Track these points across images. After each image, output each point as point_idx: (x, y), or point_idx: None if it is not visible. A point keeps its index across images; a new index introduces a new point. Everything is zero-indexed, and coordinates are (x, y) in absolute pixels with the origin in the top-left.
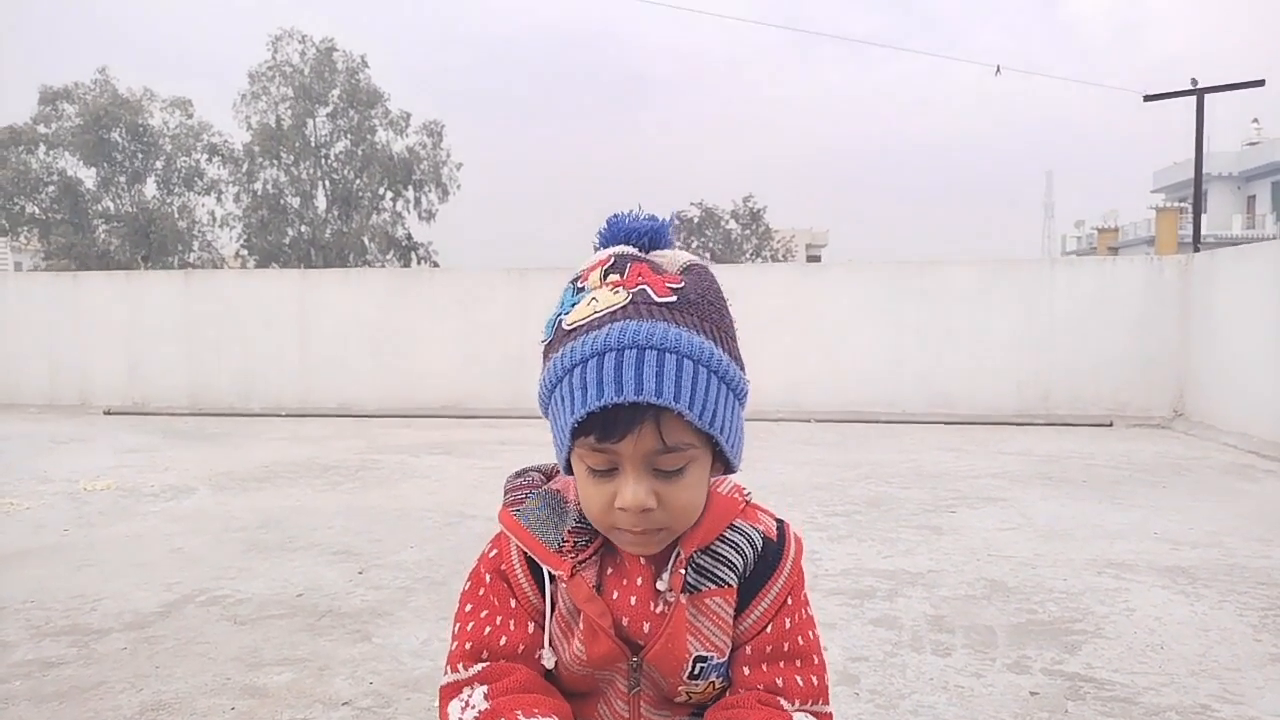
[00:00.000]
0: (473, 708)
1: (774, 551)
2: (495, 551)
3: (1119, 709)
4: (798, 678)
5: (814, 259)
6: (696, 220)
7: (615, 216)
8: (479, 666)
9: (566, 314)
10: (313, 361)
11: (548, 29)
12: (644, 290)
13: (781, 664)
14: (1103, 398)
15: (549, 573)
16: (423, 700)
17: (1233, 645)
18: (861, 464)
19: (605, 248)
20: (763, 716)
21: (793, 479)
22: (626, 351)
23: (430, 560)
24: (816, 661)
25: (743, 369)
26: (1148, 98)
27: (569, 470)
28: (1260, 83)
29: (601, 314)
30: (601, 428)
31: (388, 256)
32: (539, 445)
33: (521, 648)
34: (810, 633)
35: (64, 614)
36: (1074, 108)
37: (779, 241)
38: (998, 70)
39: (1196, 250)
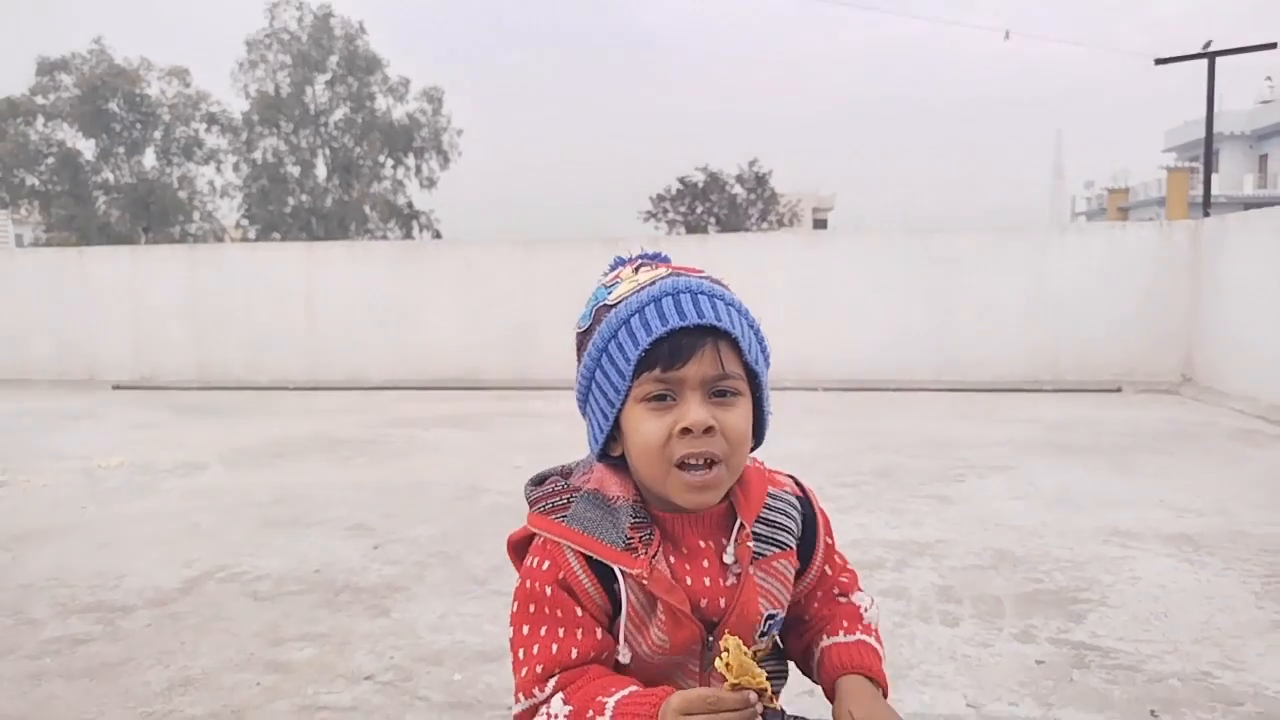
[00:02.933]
0: (556, 716)
1: (808, 507)
2: (547, 563)
3: (1123, 676)
4: (844, 579)
5: (820, 223)
6: (701, 185)
7: (619, 256)
8: (553, 682)
9: (607, 298)
10: (320, 334)
11: None
12: (679, 271)
13: (845, 578)
14: (1111, 363)
15: (620, 571)
16: (442, 674)
17: (1235, 613)
18: (870, 433)
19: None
20: (844, 610)
21: (801, 449)
22: (683, 294)
23: (444, 535)
24: (846, 561)
25: None
26: (1159, 61)
27: (603, 454)
28: (1272, 45)
29: (645, 283)
30: (668, 355)
31: (389, 225)
32: (547, 417)
33: (593, 654)
34: (841, 553)
35: (88, 591)
36: (1084, 66)
37: (785, 206)
38: (1006, 35)
39: (1206, 215)
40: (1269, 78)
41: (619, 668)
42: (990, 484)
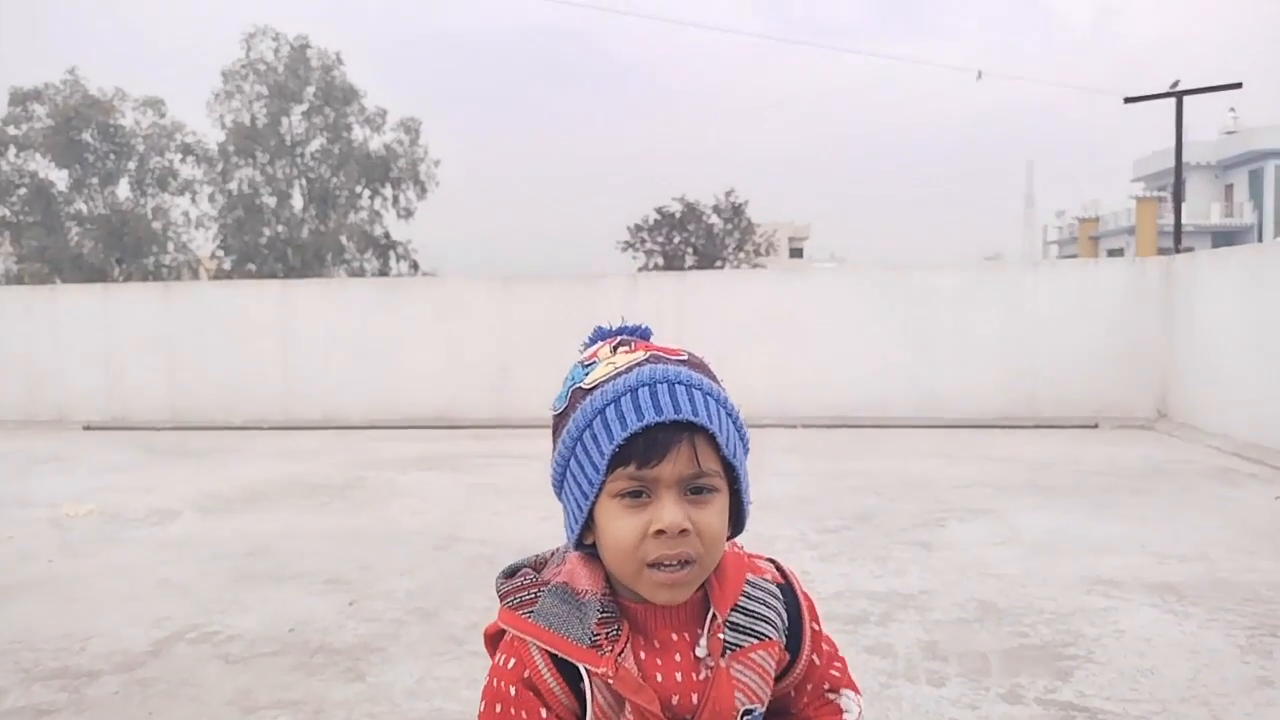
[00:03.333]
0: None
1: (790, 596)
2: (513, 661)
3: None
4: (834, 672)
5: (796, 252)
6: (678, 215)
7: (599, 327)
8: None
9: (583, 381)
10: (295, 373)
11: (525, 25)
12: (657, 353)
13: (834, 671)
14: (1088, 399)
15: (586, 670)
16: None
17: (1221, 668)
18: (850, 474)
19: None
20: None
21: (782, 491)
22: (660, 384)
23: (421, 589)
24: (836, 649)
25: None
26: (1128, 100)
27: (580, 540)
28: (1237, 85)
29: (623, 367)
30: (642, 452)
31: (366, 256)
32: (525, 458)
33: None
34: (829, 638)
35: (53, 655)
36: (1055, 99)
37: (761, 235)
38: (979, 75)
39: (1177, 249)
40: (1233, 109)
41: None
42: (972, 529)
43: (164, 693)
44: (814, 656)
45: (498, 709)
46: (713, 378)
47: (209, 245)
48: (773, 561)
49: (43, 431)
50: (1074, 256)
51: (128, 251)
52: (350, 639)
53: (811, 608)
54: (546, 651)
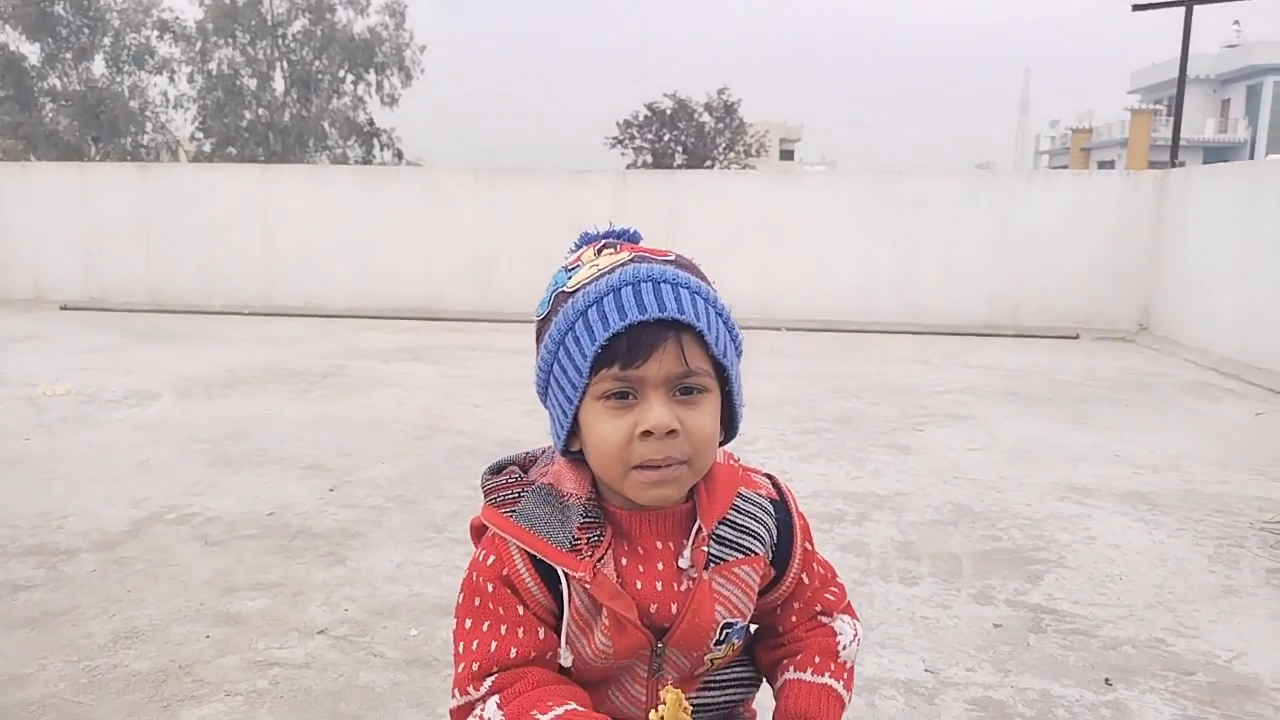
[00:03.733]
0: None
1: (784, 513)
2: (493, 558)
3: (1078, 642)
4: (829, 595)
5: (787, 154)
6: (669, 112)
7: (585, 232)
8: (489, 681)
9: (565, 285)
10: (277, 259)
11: None
12: (643, 254)
13: (831, 592)
14: (1070, 310)
15: (564, 573)
16: (398, 629)
17: (1188, 576)
18: (832, 377)
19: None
20: (819, 641)
21: (764, 393)
22: (644, 283)
23: (402, 477)
24: (834, 573)
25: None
26: (1136, 7)
27: (567, 446)
28: None
29: (606, 269)
30: (626, 352)
31: (349, 143)
32: (508, 352)
33: (534, 654)
34: (823, 559)
35: (30, 532)
36: (1058, 6)
37: (752, 136)
38: None
39: (1173, 163)
40: (1237, 22)
41: (562, 670)
42: (950, 434)
43: (142, 572)
44: (803, 576)
45: (476, 602)
46: (702, 277)
47: (188, 127)
48: (770, 477)
49: (19, 310)
50: (1064, 168)
51: (104, 130)
52: (330, 524)
53: (805, 527)
54: (526, 551)
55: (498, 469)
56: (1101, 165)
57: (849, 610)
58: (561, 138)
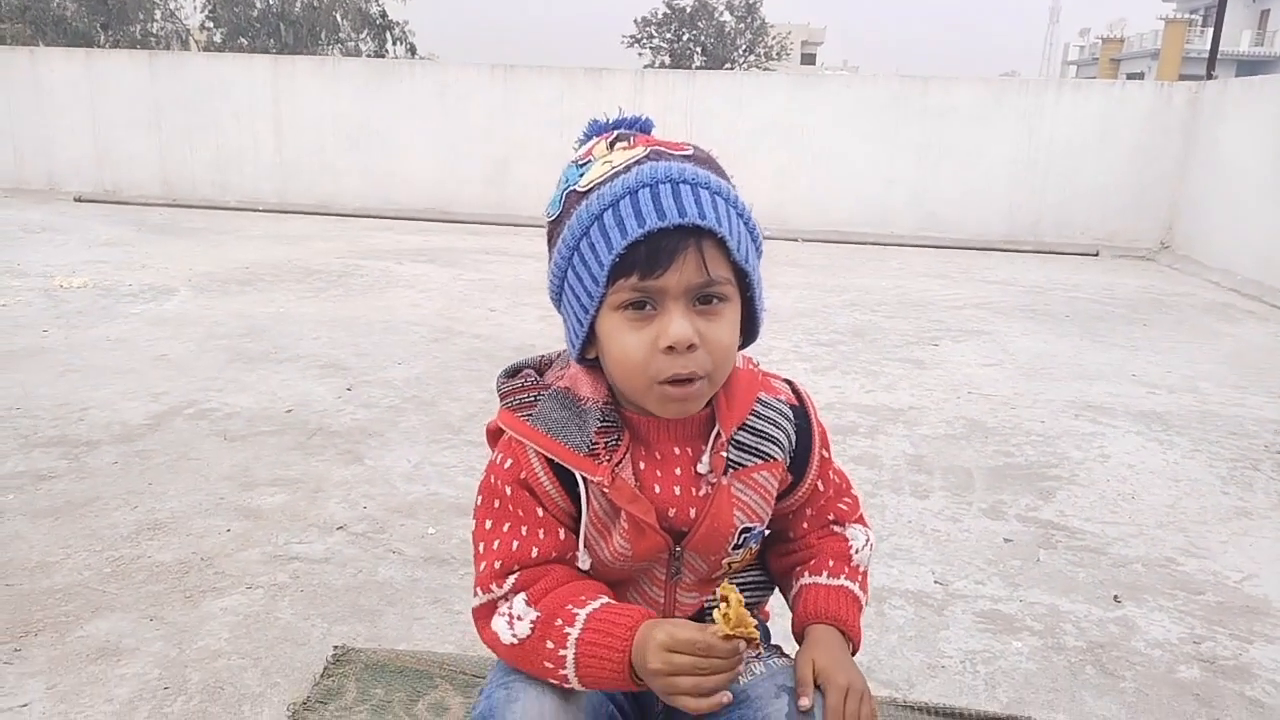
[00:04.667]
0: (521, 619)
1: (803, 419)
2: (510, 461)
3: (1088, 559)
4: (842, 505)
5: (809, 57)
6: (689, 10)
7: (594, 120)
8: (512, 578)
9: (577, 183)
10: (289, 155)
11: None
12: (659, 148)
13: (846, 501)
14: (1091, 226)
15: (582, 477)
16: (416, 527)
17: (1201, 497)
18: (847, 289)
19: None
20: (833, 545)
21: (779, 304)
22: (662, 185)
23: (419, 378)
24: (848, 484)
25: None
26: None
27: (582, 356)
28: None
29: (621, 166)
30: (645, 261)
31: (361, 36)
32: (523, 256)
33: (554, 554)
34: (839, 469)
35: (51, 423)
36: None
37: (774, 38)
38: None
39: (1209, 75)
40: None
41: (581, 573)
42: (965, 349)
43: (163, 465)
44: (819, 483)
45: (495, 505)
46: (721, 174)
47: (198, 16)
48: (789, 383)
49: (33, 201)
50: (1092, 79)
51: (113, 16)
52: (348, 422)
53: (823, 434)
54: (543, 455)
55: (513, 372)
56: (1130, 77)
57: (861, 521)
58: (576, 38)
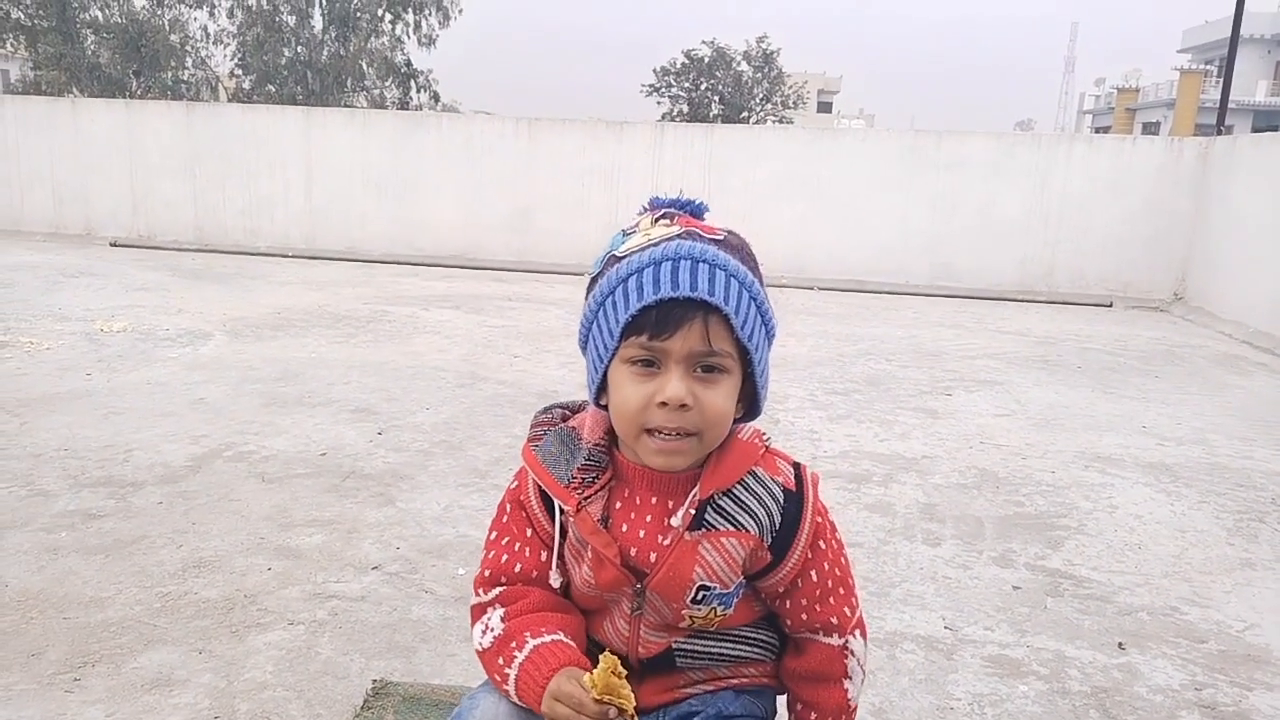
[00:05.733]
0: (491, 630)
1: (795, 504)
2: (516, 484)
3: (1094, 607)
4: (845, 609)
5: (825, 106)
6: (707, 60)
7: (656, 197)
8: (497, 590)
9: (619, 249)
10: (318, 202)
11: None
12: (694, 229)
13: (831, 600)
14: (1105, 277)
15: (559, 505)
16: (446, 568)
17: (1207, 548)
18: (863, 339)
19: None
20: (831, 700)
21: (795, 353)
22: (683, 261)
23: (446, 423)
24: (850, 584)
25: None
26: None
27: (598, 399)
28: None
29: (656, 240)
30: (654, 324)
31: (386, 84)
32: (545, 303)
33: (535, 573)
34: (843, 562)
35: (98, 464)
36: None
37: (790, 87)
38: None
39: (1220, 129)
40: None
41: (559, 591)
42: (978, 399)
43: (205, 505)
44: (810, 573)
45: (503, 519)
46: (747, 259)
47: (227, 63)
48: (798, 467)
49: (71, 246)
50: (1108, 129)
51: (145, 64)
52: (380, 466)
53: (821, 526)
54: (537, 483)
55: (547, 409)
56: (1146, 127)
57: (860, 627)
58: (596, 89)
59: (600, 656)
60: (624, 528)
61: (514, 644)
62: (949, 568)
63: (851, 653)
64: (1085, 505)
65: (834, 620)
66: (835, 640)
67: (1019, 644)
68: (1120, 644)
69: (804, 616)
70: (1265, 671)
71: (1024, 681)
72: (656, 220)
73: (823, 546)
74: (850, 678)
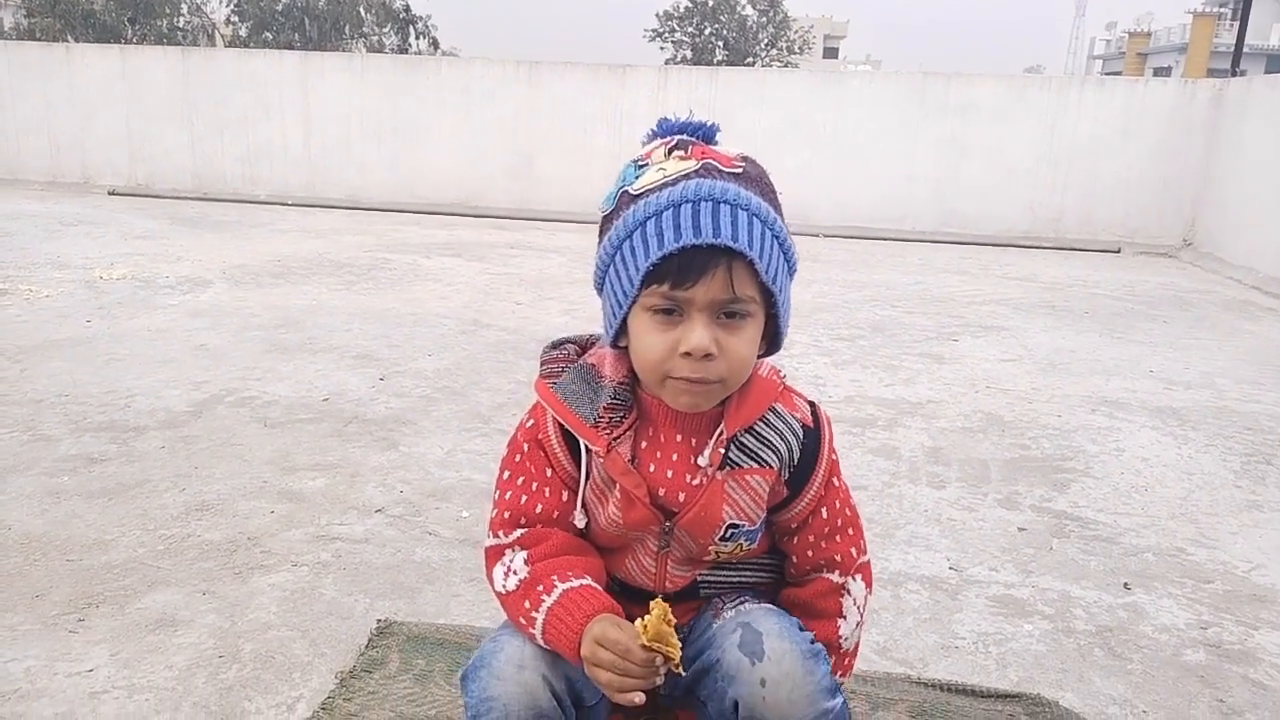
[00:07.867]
0: (515, 574)
1: (813, 439)
2: (532, 422)
3: (1100, 548)
4: (852, 549)
5: (831, 52)
6: (711, 4)
7: (665, 119)
8: (518, 532)
9: (632, 184)
10: (317, 150)
11: None
12: (711, 162)
13: (837, 538)
14: (1113, 223)
15: (585, 445)
16: (450, 510)
17: (1213, 490)
18: (868, 285)
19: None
20: (824, 630)
21: (800, 299)
22: (704, 203)
23: (449, 369)
24: (859, 526)
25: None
26: None
27: (615, 342)
28: None
29: (672, 176)
30: (676, 272)
31: (385, 30)
32: (547, 250)
33: (556, 513)
34: (851, 503)
35: (99, 409)
36: None
37: (796, 32)
38: None
39: (1234, 71)
40: None
41: (579, 531)
42: (984, 344)
43: (207, 450)
44: (822, 510)
45: (516, 459)
46: (767, 191)
47: (223, 10)
48: (814, 405)
49: (69, 194)
50: (1118, 73)
51: (140, 11)
52: (383, 411)
53: (834, 464)
54: (558, 421)
55: (557, 344)
56: (1157, 72)
57: (864, 571)
58: (597, 31)
59: (652, 603)
60: (651, 467)
61: (541, 587)
62: (954, 510)
63: (848, 592)
64: (1091, 448)
65: (838, 558)
66: (835, 577)
67: (1024, 584)
68: (1126, 584)
69: (810, 553)
70: (1271, 611)
71: (1029, 621)
72: (671, 151)
73: (836, 484)
74: (844, 617)
